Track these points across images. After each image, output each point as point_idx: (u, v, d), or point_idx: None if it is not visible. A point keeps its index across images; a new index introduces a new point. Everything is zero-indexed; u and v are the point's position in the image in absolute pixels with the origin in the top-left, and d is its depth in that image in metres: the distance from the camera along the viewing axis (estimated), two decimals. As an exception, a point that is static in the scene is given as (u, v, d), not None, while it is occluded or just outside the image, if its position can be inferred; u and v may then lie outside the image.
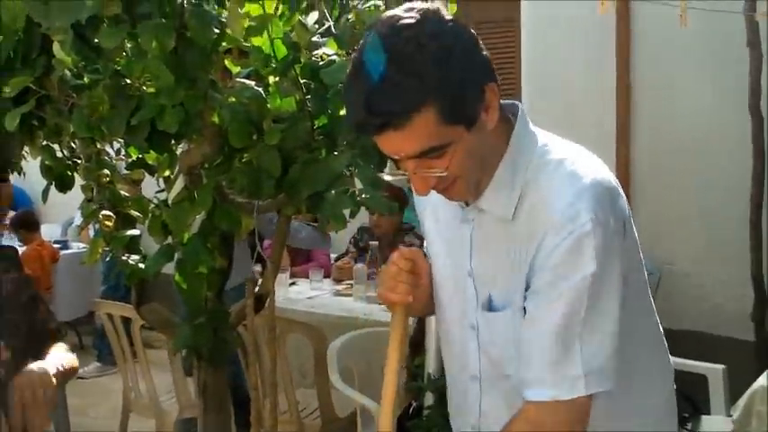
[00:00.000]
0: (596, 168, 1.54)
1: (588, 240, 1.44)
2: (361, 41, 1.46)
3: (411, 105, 1.39)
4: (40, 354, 2.28)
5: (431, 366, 2.61)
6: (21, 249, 5.70)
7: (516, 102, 1.62)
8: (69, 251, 6.91)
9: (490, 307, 1.61)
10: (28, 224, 6.63)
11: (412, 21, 1.41)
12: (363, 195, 2.17)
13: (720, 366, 3.85)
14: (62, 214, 7.54)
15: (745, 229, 4.51)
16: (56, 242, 6.98)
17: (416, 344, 3.36)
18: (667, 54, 4.92)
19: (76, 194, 2.85)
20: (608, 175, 1.55)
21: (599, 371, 1.48)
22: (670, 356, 3.61)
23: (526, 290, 1.52)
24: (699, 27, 4.31)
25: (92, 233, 6.92)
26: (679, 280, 5.00)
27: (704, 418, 3.73)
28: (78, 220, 7.19)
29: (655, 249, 5.05)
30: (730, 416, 3.33)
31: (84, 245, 7.19)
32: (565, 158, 1.54)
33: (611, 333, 1.49)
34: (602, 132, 5.13)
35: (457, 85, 1.41)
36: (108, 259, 6.33)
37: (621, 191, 1.57)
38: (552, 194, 1.49)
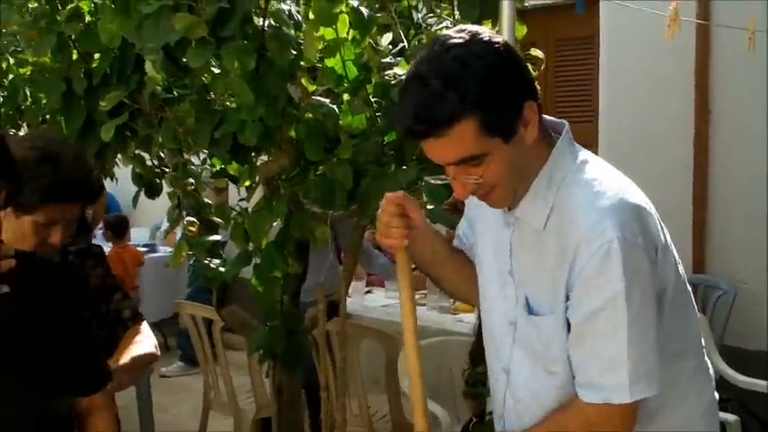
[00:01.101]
0: (625, 189, 1.64)
1: (616, 255, 1.54)
2: (417, 57, 1.62)
3: (452, 117, 1.53)
4: (113, 341, 2.43)
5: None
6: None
7: (564, 121, 1.73)
8: (157, 254, 7.18)
9: (530, 311, 1.72)
10: (117, 228, 6.91)
11: (460, 41, 1.57)
12: (429, 207, 2.28)
13: (792, 387, 3.84)
14: (151, 218, 7.82)
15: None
16: (144, 245, 7.25)
17: (475, 354, 3.45)
18: (746, 79, 4.89)
19: (164, 200, 3.04)
20: (638, 196, 1.65)
21: (643, 378, 1.59)
22: (738, 374, 3.61)
23: (566, 300, 1.63)
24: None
25: (178, 237, 7.16)
26: (755, 299, 4.96)
27: (773, 438, 3.74)
28: (165, 224, 7.50)
29: (730, 269, 5.04)
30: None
31: (170, 248, 7.48)
32: (595, 178, 1.64)
33: (652, 343, 1.59)
34: (680, 152, 5.13)
35: (496, 101, 1.55)
36: (193, 263, 6.63)
37: (653, 211, 1.66)
38: (579, 212, 1.60)
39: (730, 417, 3.32)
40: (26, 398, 1.89)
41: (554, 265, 1.63)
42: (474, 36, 1.58)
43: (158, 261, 6.91)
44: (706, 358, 1.83)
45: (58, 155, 2.13)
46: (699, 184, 5.13)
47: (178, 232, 7.12)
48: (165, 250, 7.28)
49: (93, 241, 5.28)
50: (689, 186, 5.12)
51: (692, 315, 1.78)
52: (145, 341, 2.43)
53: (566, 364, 1.67)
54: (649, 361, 1.60)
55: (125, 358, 2.36)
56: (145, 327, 2.51)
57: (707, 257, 5.12)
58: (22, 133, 3.21)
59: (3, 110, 3.64)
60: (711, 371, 1.85)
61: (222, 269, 2.89)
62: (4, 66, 3.77)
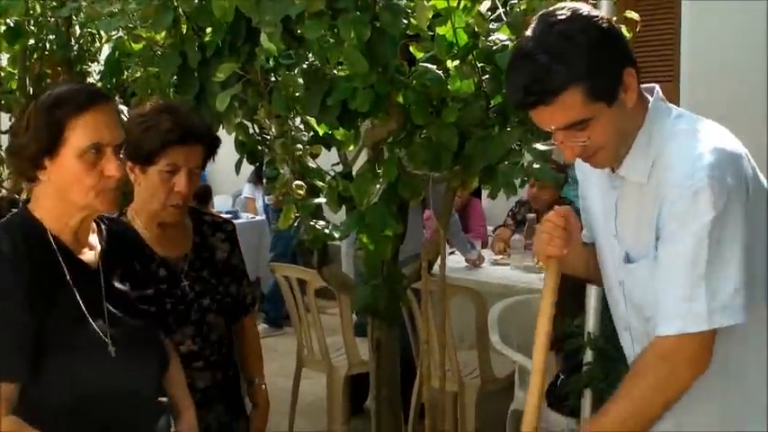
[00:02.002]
0: (720, 137, 1.76)
1: (704, 193, 1.66)
2: (524, 34, 1.77)
3: (560, 87, 1.68)
4: (234, 323, 2.61)
5: (590, 326, 2.81)
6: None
7: (654, 84, 1.85)
8: (238, 221, 7.39)
9: (628, 259, 1.86)
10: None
11: (563, 17, 1.72)
12: (534, 166, 2.39)
13: None
14: (231, 186, 8.04)
15: None
16: (227, 212, 7.46)
17: (561, 307, 3.56)
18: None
19: (243, 169, 3.18)
20: (731, 142, 1.76)
21: (723, 307, 1.68)
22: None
23: (657, 239, 1.75)
24: None
25: (259, 204, 7.36)
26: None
27: None
28: (248, 192, 7.68)
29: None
30: None
31: (251, 215, 7.68)
32: (691, 129, 1.78)
33: (734, 273, 1.68)
34: (758, 114, 5.13)
35: (599, 70, 1.70)
36: (275, 229, 6.82)
37: (746, 156, 1.77)
38: (677, 158, 1.74)
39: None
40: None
41: (651, 210, 1.76)
42: (575, 12, 1.72)
43: (240, 228, 7.08)
44: None
45: (175, 106, 2.42)
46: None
47: (258, 199, 7.29)
48: (247, 216, 7.49)
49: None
50: (764, 147, 5.11)
51: None
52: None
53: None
54: (729, 292, 1.68)
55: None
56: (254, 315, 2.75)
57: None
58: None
59: (101, 84, 3.84)
60: None
61: (327, 231, 3.02)
62: (99, 44, 3.97)
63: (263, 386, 2.68)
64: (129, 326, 1.94)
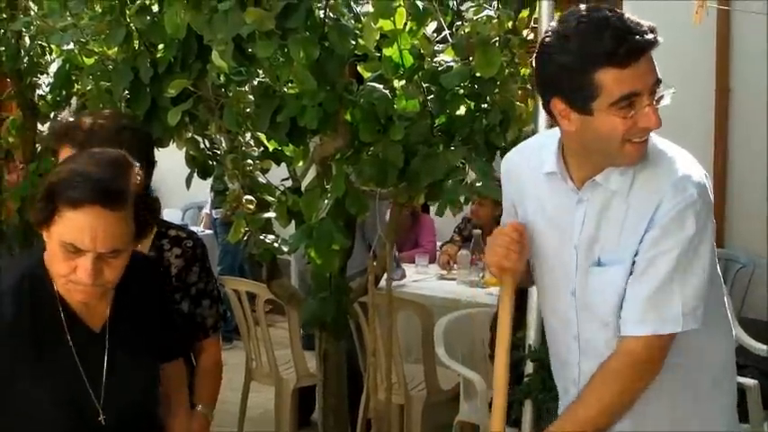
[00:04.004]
0: (691, 160, 1.88)
1: (692, 209, 1.78)
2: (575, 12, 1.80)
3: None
4: (191, 344, 2.53)
5: (531, 338, 2.90)
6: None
7: None
8: (186, 235, 7.37)
9: (600, 263, 1.91)
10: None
11: None
12: (477, 184, 2.48)
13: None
14: (180, 201, 8.01)
15: (840, 223, 4.64)
16: (176, 226, 7.44)
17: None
18: (763, 57, 5.04)
19: (194, 183, 3.23)
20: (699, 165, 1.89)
21: (690, 312, 1.81)
22: (757, 343, 3.80)
23: (639, 243, 1.83)
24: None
25: (214, 217, 7.24)
26: (771, 273, 5.14)
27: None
28: (209, 208, 7.66)
29: (749, 243, 5.21)
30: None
31: (201, 229, 7.67)
32: (668, 148, 1.89)
33: (703, 283, 1.82)
34: (701, 130, 5.30)
35: None
36: (223, 243, 6.83)
37: None
38: (664, 173, 1.83)
39: (750, 381, 3.49)
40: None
41: (635, 221, 1.84)
42: None
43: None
44: (728, 312, 2.04)
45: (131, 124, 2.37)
46: (719, 162, 5.30)
47: (213, 213, 7.21)
48: (196, 230, 7.47)
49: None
50: (709, 163, 5.29)
51: (717, 274, 1.98)
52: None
53: (617, 315, 1.87)
54: (696, 299, 1.81)
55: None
56: (217, 340, 2.65)
57: (726, 232, 5.30)
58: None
59: (50, 96, 3.85)
60: (732, 327, 2.07)
61: (276, 245, 3.08)
62: (49, 57, 3.98)
63: (206, 416, 2.54)
64: (123, 402, 1.91)
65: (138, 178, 1.80)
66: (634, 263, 1.84)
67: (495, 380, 1.98)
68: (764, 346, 4.18)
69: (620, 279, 1.87)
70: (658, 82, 1.79)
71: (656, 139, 1.90)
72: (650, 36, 1.76)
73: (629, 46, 1.74)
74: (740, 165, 5.28)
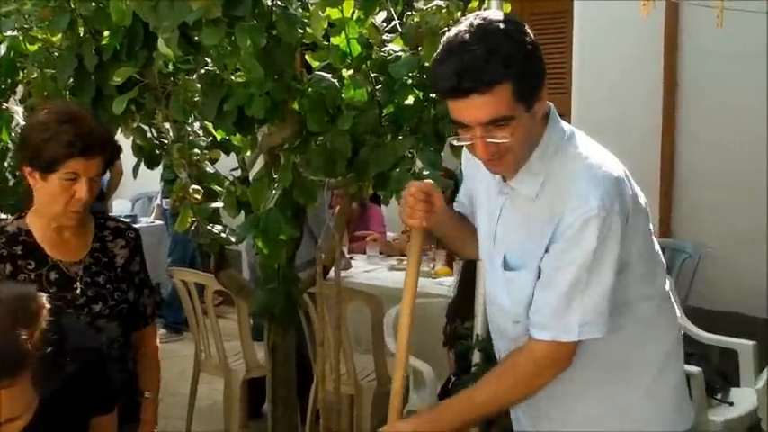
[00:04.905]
0: (607, 162, 1.89)
1: (593, 223, 1.79)
2: (454, 29, 1.82)
3: (494, 79, 1.74)
4: (133, 333, 2.59)
5: (478, 328, 2.93)
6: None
7: (549, 102, 1.94)
8: (137, 225, 7.28)
9: (507, 266, 1.98)
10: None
11: (499, 18, 1.81)
12: (425, 173, 2.48)
13: (750, 342, 4.10)
14: (130, 190, 7.93)
15: (782, 215, 4.73)
16: (125, 216, 7.35)
17: (456, 309, 3.71)
18: (713, 52, 5.12)
19: (143, 172, 3.19)
20: (617, 167, 1.89)
21: (590, 323, 1.85)
22: (701, 330, 3.86)
23: (546, 252, 1.87)
24: (742, 26, 4.50)
25: (165, 207, 7.15)
26: (717, 263, 5.22)
27: (733, 389, 3.99)
28: (159, 198, 7.57)
29: (695, 233, 5.30)
30: (758, 387, 3.59)
31: (150, 219, 7.60)
32: (582, 152, 1.89)
33: (604, 294, 1.85)
34: (649, 124, 5.37)
35: (529, 73, 1.79)
36: (173, 233, 6.77)
37: (630, 182, 1.91)
38: (569, 182, 1.85)
39: (694, 369, 3.54)
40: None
41: (541, 227, 1.87)
42: (507, 16, 1.83)
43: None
44: (673, 303, 2.08)
45: (76, 114, 2.35)
46: (666, 154, 5.38)
47: (163, 203, 7.12)
48: (145, 221, 7.40)
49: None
50: (657, 156, 5.37)
51: (659, 265, 2.03)
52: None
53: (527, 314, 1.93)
54: (599, 309, 1.85)
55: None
56: (155, 326, 2.72)
57: (673, 223, 5.39)
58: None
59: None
60: (678, 316, 2.10)
61: (223, 235, 3.05)
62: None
63: (154, 401, 2.66)
64: None
65: None
66: (540, 269, 1.89)
67: (398, 337, 2.13)
68: (709, 335, 4.26)
69: (528, 283, 1.92)
70: (496, 120, 1.79)
71: (578, 139, 1.93)
72: (452, 83, 1.77)
73: (443, 87, 1.81)
74: (687, 157, 5.36)
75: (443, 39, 1.83)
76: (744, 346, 4.12)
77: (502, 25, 1.77)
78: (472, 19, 1.80)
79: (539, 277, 1.89)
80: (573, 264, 1.82)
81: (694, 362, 3.72)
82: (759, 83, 4.94)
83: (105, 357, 2.23)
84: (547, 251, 1.87)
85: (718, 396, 3.90)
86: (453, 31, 1.81)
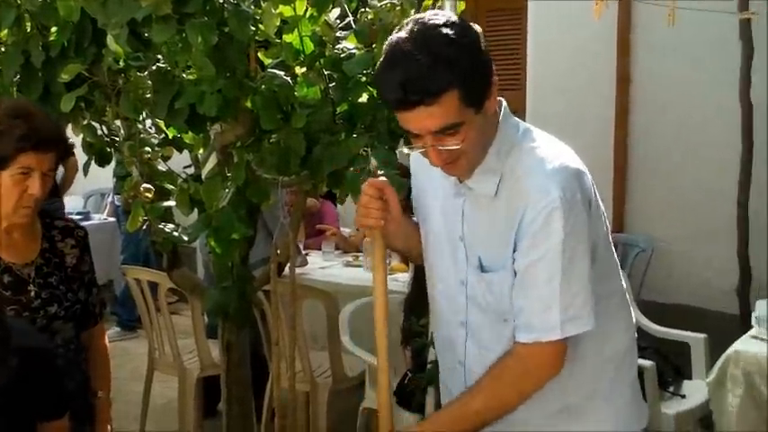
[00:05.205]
0: (564, 154, 1.87)
1: (556, 214, 1.78)
2: (394, 36, 1.78)
3: (440, 88, 1.71)
4: (83, 332, 2.57)
5: (433, 326, 2.92)
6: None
7: (501, 98, 1.93)
8: (89, 222, 7.19)
9: (483, 268, 1.94)
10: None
11: (440, 22, 1.75)
12: (379, 172, 2.46)
13: (702, 335, 4.16)
14: (82, 187, 7.81)
15: (733, 209, 4.78)
16: (78, 213, 7.25)
17: (411, 306, 3.71)
18: (665, 48, 5.18)
19: (94, 170, 3.15)
20: (574, 159, 1.88)
21: (573, 318, 1.83)
22: (653, 324, 3.91)
23: (514, 251, 1.85)
24: (694, 24, 4.57)
25: (117, 204, 7.06)
26: (670, 256, 5.29)
27: (685, 382, 4.05)
28: (112, 195, 7.47)
29: (648, 227, 5.36)
30: (709, 380, 3.63)
31: (103, 216, 7.50)
32: (538, 146, 1.88)
33: (584, 286, 1.83)
34: (602, 119, 5.42)
35: (476, 74, 1.76)
36: (126, 231, 6.68)
37: (587, 172, 1.90)
38: (526, 177, 1.83)
39: (647, 362, 3.58)
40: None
41: (505, 225, 1.85)
42: (449, 18, 1.77)
43: (91, 229, 6.87)
44: (628, 300, 2.08)
45: (28, 109, 2.34)
46: (619, 149, 5.43)
47: (116, 200, 7.03)
48: (98, 218, 7.31)
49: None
50: (610, 151, 5.42)
51: (615, 263, 2.03)
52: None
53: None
54: (579, 303, 1.83)
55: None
56: (103, 324, 2.71)
57: (626, 217, 5.44)
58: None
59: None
60: (632, 313, 2.11)
61: (176, 234, 3.01)
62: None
63: (108, 401, 2.66)
64: None
65: None
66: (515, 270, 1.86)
67: (378, 343, 2.01)
68: (661, 328, 4.31)
69: (507, 283, 1.89)
70: (446, 128, 1.77)
71: (533, 134, 1.91)
72: (398, 95, 1.74)
73: (389, 98, 1.78)
74: (639, 152, 5.42)
75: (385, 45, 1.80)
76: (696, 340, 4.18)
77: (444, 30, 1.73)
78: (413, 24, 1.76)
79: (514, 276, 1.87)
80: (543, 260, 1.80)
81: (647, 355, 3.77)
82: (710, 78, 5.01)
83: (54, 358, 2.20)
84: (515, 250, 1.84)
85: (671, 389, 3.96)
86: (394, 37, 1.78)
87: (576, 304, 1.83)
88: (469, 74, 1.73)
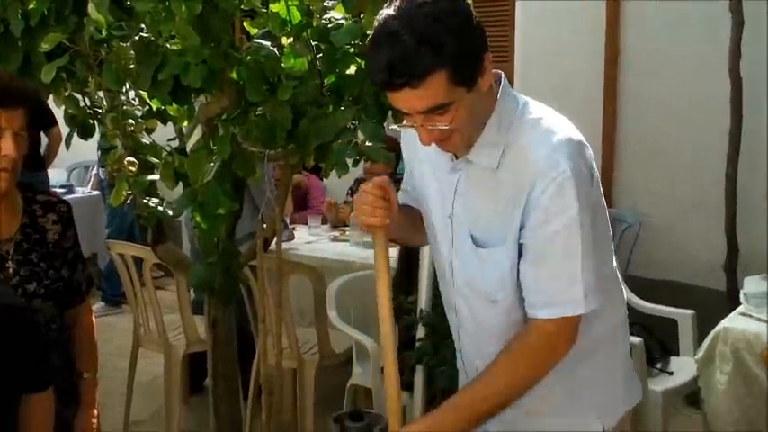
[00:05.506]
0: (566, 126, 1.84)
1: (569, 184, 1.74)
2: (383, 13, 1.73)
3: (426, 70, 1.67)
4: (67, 310, 2.51)
5: (423, 302, 2.90)
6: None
7: (499, 71, 1.89)
8: (73, 195, 7.11)
9: (478, 243, 1.89)
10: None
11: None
12: (365, 146, 2.42)
13: (689, 312, 4.15)
14: (66, 160, 7.73)
15: (721, 184, 4.78)
16: (61, 186, 7.18)
17: (399, 283, 3.68)
18: (655, 20, 5.14)
19: (76, 142, 3.09)
20: (576, 131, 1.84)
21: (593, 291, 1.81)
22: (641, 300, 3.90)
23: (521, 229, 1.81)
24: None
25: (102, 176, 6.99)
26: (658, 232, 5.29)
27: (673, 358, 4.04)
28: (97, 168, 7.40)
29: (636, 202, 5.35)
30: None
31: (87, 190, 7.43)
32: (540, 118, 1.84)
33: (594, 260, 1.81)
34: (590, 93, 5.39)
35: (465, 55, 1.70)
36: (111, 204, 6.61)
37: (588, 145, 1.86)
38: (533, 147, 1.79)
39: (635, 339, 3.56)
40: None
41: (509, 198, 1.81)
42: None
43: (75, 202, 6.82)
44: (619, 278, 2.06)
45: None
46: (607, 124, 5.40)
47: (100, 173, 6.97)
48: (82, 191, 7.23)
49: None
50: (598, 126, 5.39)
51: (610, 237, 1.99)
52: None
53: (508, 291, 1.86)
54: (594, 278, 1.80)
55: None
56: (89, 302, 2.65)
57: (614, 192, 5.42)
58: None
59: None
60: (623, 287, 2.09)
61: (160, 208, 2.96)
62: None
63: (93, 381, 2.60)
64: None
65: None
66: (521, 245, 1.82)
67: (383, 349, 1.93)
68: (649, 304, 4.30)
69: (505, 259, 1.84)
70: (434, 109, 1.73)
71: (533, 106, 1.87)
72: (384, 77, 1.70)
73: (376, 79, 1.74)
74: (628, 127, 5.40)
75: (375, 21, 1.75)
76: (683, 316, 4.17)
77: (431, 7, 1.68)
78: (399, 2, 1.71)
79: (520, 253, 1.82)
80: (560, 234, 1.76)
81: (635, 332, 3.76)
82: (700, 52, 4.98)
83: (33, 315, 2.16)
84: (523, 225, 1.80)
85: (658, 365, 3.95)
86: (383, 14, 1.73)
87: (592, 278, 1.80)
88: (458, 53, 1.68)
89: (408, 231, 2.13)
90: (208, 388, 3.42)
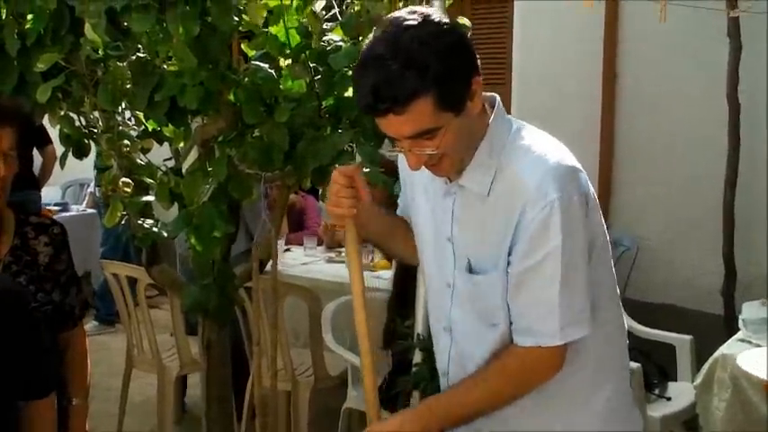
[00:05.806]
0: (559, 151, 1.80)
1: (555, 216, 1.71)
2: (370, 38, 1.72)
3: (412, 95, 1.64)
4: (61, 333, 2.46)
5: (419, 327, 2.87)
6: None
7: (494, 94, 1.87)
8: (68, 213, 7.08)
9: (472, 270, 1.87)
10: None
11: (415, 23, 1.67)
12: (365, 170, 2.39)
13: (688, 337, 4.12)
14: (60, 178, 7.70)
15: (719, 209, 4.76)
16: (56, 204, 7.14)
17: (395, 306, 3.66)
18: (652, 44, 5.14)
19: (71, 161, 3.06)
20: (569, 157, 1.81)
21: (572, 323, 1.77)
22: (639, 325, 3.87)
23: (509, 255, 1.78)
24: (682, 20, 4.53)
25: (98, 195, 6.95)
26: (655, 255, 5.26)
27: (671, 384, 4.01)
28: (93, 186, 7.37)
29: (633, 226, 5.32)
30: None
31: (82, 208, 7.39)
32: (532, 144, 1.80)
33: (582, 290, 1.77)
34: (588, 115, 5.37)
35: (451, 79, 1.68)
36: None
37: (582, 169, 1.82)
38: (524, 173, 1.76)
39: (633, 365, 3.53)
40: None
41: (500, 225, 1.78)
42: (426, 17, 1.69)
43: (69, 221, 6.81)
44: (620, 303, 2.02)
45: None
46: (605, 146, 5.38)
47: (96, 192, 6.93)
48: (77, 209, 7.20)
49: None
50: (596, 148, 5.37)
51: (610, 261, 1.95)
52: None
53: (506, 316, 1.83)
54: (578, 307, 1.77)
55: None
56: (83, 327, 2.59)
57: (611, 215, 5.39)
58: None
59: None
60: (625, 321, 2.05)
61: (155, 229, 2.94)
62: None
63: (83, 407, 2.53)
64: None
65: None
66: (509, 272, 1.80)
67: (358, 336, 1.94)
68: (647, 329, 4.27)
69: (498, 285, 1.82)
70: (420, 134, 1.71)
71: (526, 131, 1.84)
72: (368, 102, 1.68)
73: (361, 104, 1.72)
74: (625, 149, 5.38)
75: (363, 47, 1.73)
76: (682, 341, 4.14)
77: (418, 31, 1.65)
78: (387, 24, 1.69)
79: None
80: (541, 264, 1.74)
81: (633, 357, 3.71)
82: (697, 76, 4.98)
83: (33, 321, 2.12)
84: (510, 252, 1.78)
85: (656, 391, 3.92)
86: (371, 38, 1.72)
87: (575, 309, 1.77)
88: (444, 77, 1.65)
89: (395, 238, 2.12)
90: (186, 403, 3.37)
